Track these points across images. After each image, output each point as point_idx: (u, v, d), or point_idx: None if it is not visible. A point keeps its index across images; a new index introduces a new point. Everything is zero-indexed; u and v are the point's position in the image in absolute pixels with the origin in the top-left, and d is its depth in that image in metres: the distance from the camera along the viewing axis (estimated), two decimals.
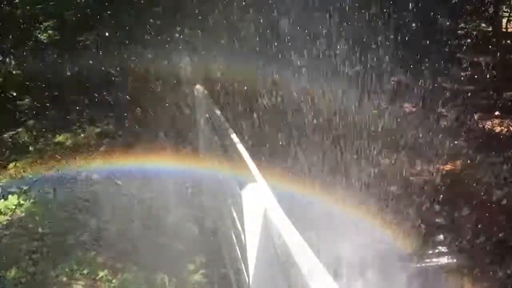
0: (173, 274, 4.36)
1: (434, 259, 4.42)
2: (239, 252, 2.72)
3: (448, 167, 6.10)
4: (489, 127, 7.56)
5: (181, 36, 7.27)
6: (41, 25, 8.65)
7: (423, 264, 4.36)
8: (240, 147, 2.93)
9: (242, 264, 2.56)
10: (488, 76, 8.19)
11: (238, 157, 2.82)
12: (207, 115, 4.78)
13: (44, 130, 8.05)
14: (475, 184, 5.47)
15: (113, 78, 7.64)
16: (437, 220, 4.82)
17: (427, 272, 4.29)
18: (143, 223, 5.24)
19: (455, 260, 4.39)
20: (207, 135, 4.88)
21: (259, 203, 2.05)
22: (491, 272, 4.24)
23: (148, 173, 6.06)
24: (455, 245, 4.49)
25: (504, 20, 9.71)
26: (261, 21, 6.38)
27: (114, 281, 4.47)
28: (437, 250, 4.51)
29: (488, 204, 4.99)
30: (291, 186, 4.64)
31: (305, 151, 5.25)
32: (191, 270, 4.43)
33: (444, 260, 4.42)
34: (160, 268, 4.42)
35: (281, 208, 1.96)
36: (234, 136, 3.23)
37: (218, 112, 4.12)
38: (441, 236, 4.59)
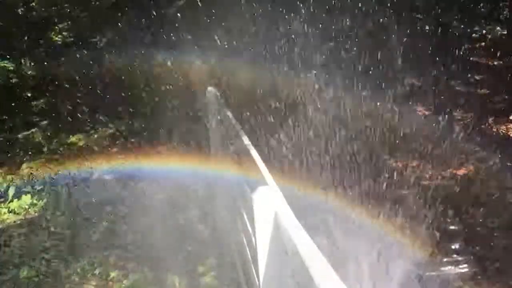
0: (184, 275, 4.36)
1: (449, 267, 4.36)
2: (249, 255, 2.71)
3: (461, 171, 6.03)
4: (503, 131, 7.46)
5: (194, 38, 7.29)
6: (56, 27, 8.74)
7: (437, 273, 4.30)
8: (251, 149, 2.93)
9: (253, 267, 2.55)
10: (502, 79, 8.09)
11: (249, 159, 2.81)
12: (218, 117, 4.78)
13: (57, 130, 8.12)
14: (489, 189, 5.39)
15: (126, 80, 7.68)
16: (451, 226, 4.76)
17: (442, 280, 4.23)
18: (154, 224, 5.26)
19: (470, 268, 4.33)
20: (218, 137, 4.89)
21: (270, 206, 2.04)
22: (507, 281, 4.17)
23: (159, 174, 6.09)
24: (470, 252, 4.42)
25: None
26: (273, 23, 6.38)
27: (125, 281, 4.48)
28: (451, 258, 4.44)
29: (503, 210, 4.92)
30: (301, 187, 4.62)
31: (317, 153, 5.22)
32: (201, 272, 4.43)
33: (459, 268, 4.35)
34: (171, 270, 4.42)
35: (292, 211, 1.95)
36: (245, 138, 3.22)
37: (229, 114, 4.12)
38: (456, 244, 4.53)
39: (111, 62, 7.99)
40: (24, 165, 7.22)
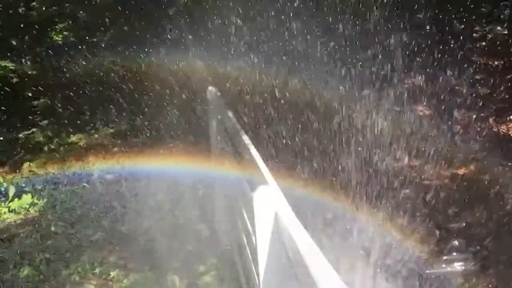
0: (184, 275, 4.36)
1: (449, 265, 4.36)
2: (250, 254, 2.71)
3: (462, 171, 6.03)
4: (504, 130, 7.46)
5: (194, 38, 7.30)
6: (56, 27, 8.75)
7: (438, 270, 4.30)
8: (252, 149, 2.93)
9: (253, 266, 2.55)
10: (503, 79, 8.09)
11: (250, 159, 2.81)
12: (219, 117, 4.78)
13: (58, 130, 8.13)
14: (489, 188, 5.39)
15: (126, 79, 7.68)
16: (451, 225, 4.76)
17: (442, 278, 4.23)
18: (154, 223, 5.26)
19: (470, 266, 4.33)
20: (219, 137, 4.89)
21: (270, 205, 2.04)
22: (507, 279, 4.18)
23: (159, 173, 6.09)
24: (470, 251, 4.42)
25: None
26: (274, 22, 6.38)
27: (125, 281, 4.49)
28: (451, 256, 4.45)
29: (503, 209, 4.92)
30: (302, 187, 4.62)
31: (316, 154, 5.23)
32: (202, 271, 4.43)
33: (459, 266, 4.36)
34: (171, 269, 4.42)
35: (293, 211, 1.95)
36: (245, 138, 3.22)
37: (230, 113, 4.12)
38: (456, 242, 4.53)
39: (111, 62, 8.00)
40: (24, 165, 7.22)
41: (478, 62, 8.49)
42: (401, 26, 6.26)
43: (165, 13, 7.86)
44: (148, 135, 7.42)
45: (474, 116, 7.20)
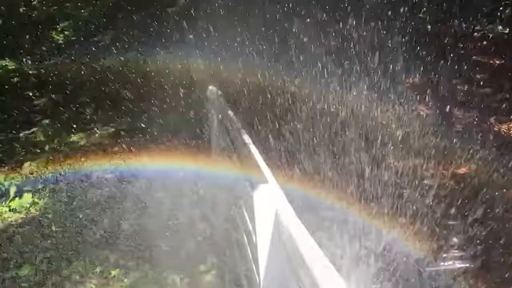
0: (185, 274, 4.37)
1: (448, 263, 4.36)
2: (250, 253, 2.71)
3: (463, 170, 6.03)
4: (505, 130, 7.46)
5: (195, 37, 7.30)
6: (57, 26, 8.76)
7: (437, 268, 4.30)
8: (252, 148, 2.93)
9: (253, 265, 2.55)
10: (504, 78, 8.08)
11: (250, 157, 2.81)
12: (220, 116, 4.78)
13: (59, 129, 8.13)
14: (490, 187, 5.39)
15: (127, 79, 7.69)
16: (451, 223, 4.76)
17: (441, 275, 4.23)
18: (155, 223, 5.26)
19: (469, 264, 4.33)
20: (219, 136, 4.88)
21: (270, 204, 2.04)
22: (506, 277, 4.18)
23: (160, 173, 6.09)
24: (470, 249, 4.42)
25: None
26: (275, 21, 6.38)
27: (126, 280, 4.49)
28: (451, 254, 4.45)
29: (503, 208, 4.92)
30: (302, 185, 4.63)
31: (318, 153, 5.22)
32: (202, 270, 4.44)
33: (458, 264, 4.36)
34: (172, 268, 4.43)
35: (293, 209, 1.95)
36: (246, 137, 3.22)
37: (231, 112, 4.12)
38: (455, 240, 4.53)
39: (112, 61, 8.00)
40: (25, 164, 7.23)
41: (479, 61, 8.49)
42: (402, 25, 6.25)
43: (166, 13, 7.86)
44: (148, 135, 7.43)
45: (475, 116, 7.20)
